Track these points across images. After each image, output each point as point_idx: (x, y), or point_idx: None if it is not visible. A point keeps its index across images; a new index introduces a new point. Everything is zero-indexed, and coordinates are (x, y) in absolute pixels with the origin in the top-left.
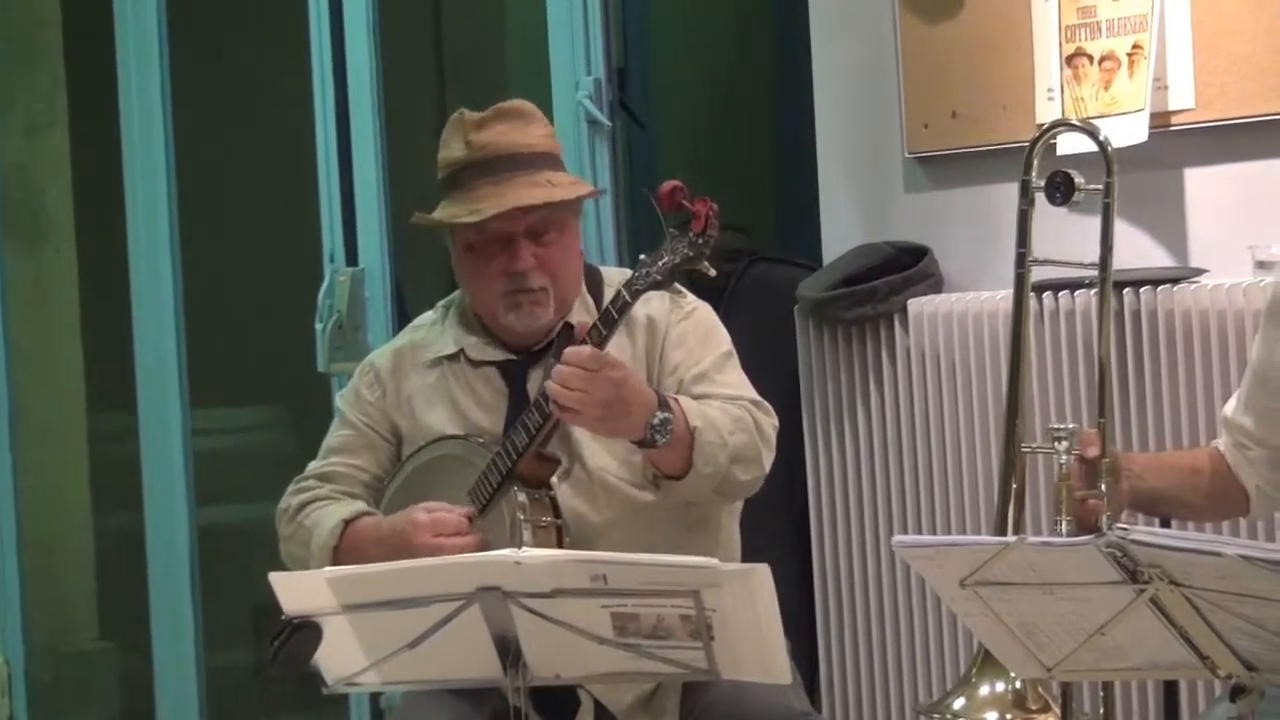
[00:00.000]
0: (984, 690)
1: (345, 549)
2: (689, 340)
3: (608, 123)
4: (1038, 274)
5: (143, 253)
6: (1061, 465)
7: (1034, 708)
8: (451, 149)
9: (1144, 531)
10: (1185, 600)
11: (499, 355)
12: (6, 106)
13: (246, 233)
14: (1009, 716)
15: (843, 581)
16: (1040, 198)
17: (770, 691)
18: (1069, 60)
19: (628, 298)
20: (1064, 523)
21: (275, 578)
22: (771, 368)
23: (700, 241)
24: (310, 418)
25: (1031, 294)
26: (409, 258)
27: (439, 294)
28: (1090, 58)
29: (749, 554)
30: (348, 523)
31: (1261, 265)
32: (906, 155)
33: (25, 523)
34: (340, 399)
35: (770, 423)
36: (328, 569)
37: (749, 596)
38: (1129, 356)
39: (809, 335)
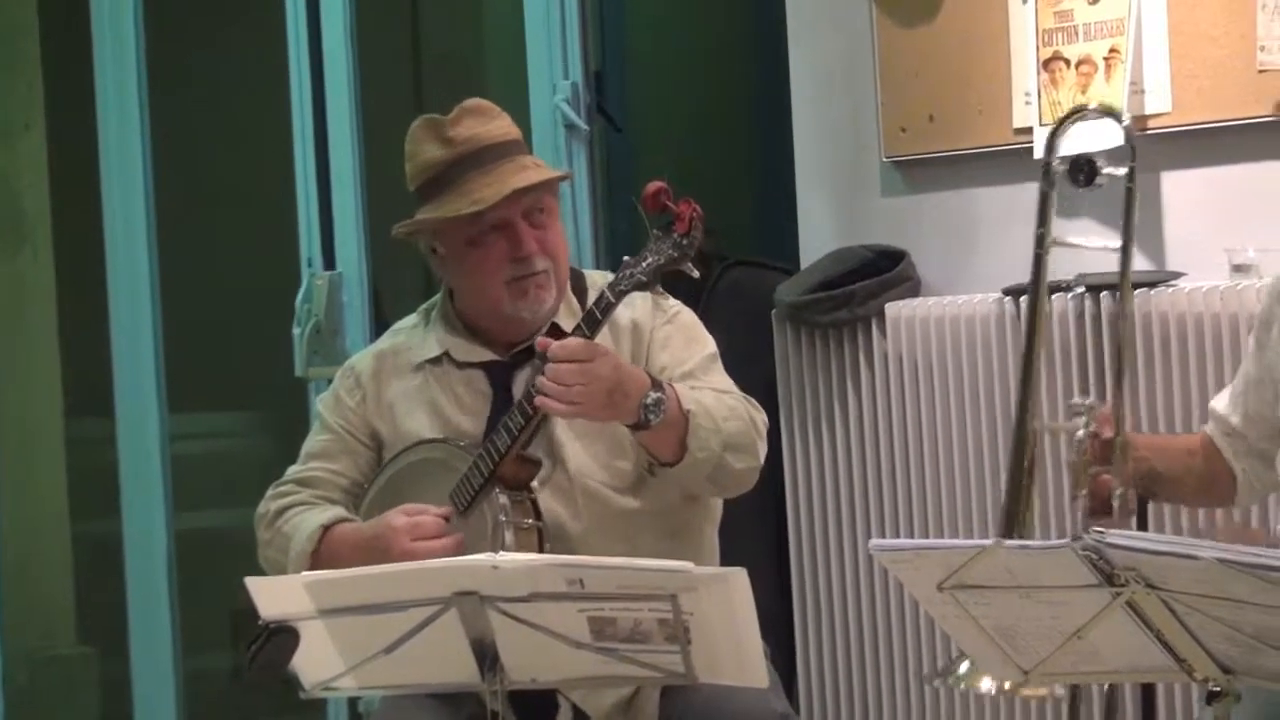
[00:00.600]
0: None
1: (323, 554)
2: (674, 343)
3: (585, 126)
4: (1012, 278)
5: (120, 257)
6: (1079, 440)
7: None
8: (428, 151)
9: (1120, 535)
10: (1162, 603)
11: (485, 356)
12: None
13: (224, 237)
14: (1007, 685)
15: (820, 584)
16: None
17: (748, 694)
18: (1046, 64)
19: (611, 298)
20: (1082, 496)
21: (252, 582)
22: (748, 372)
23: (684, 242)
24: (288, 422)
25: (1007, 298)
26: (387, 262)
27: (417, 298)
28: (1067, 62)
29: (727, 556)
30: (326, 528)
31: (1238, 269)
32: (883, 159)
33: (3, 528)
34: (320, 403)
35: (761, 418)
36: (305, 574)
37: (726, 600)
38: (1106, 359)
39: (786, 339)
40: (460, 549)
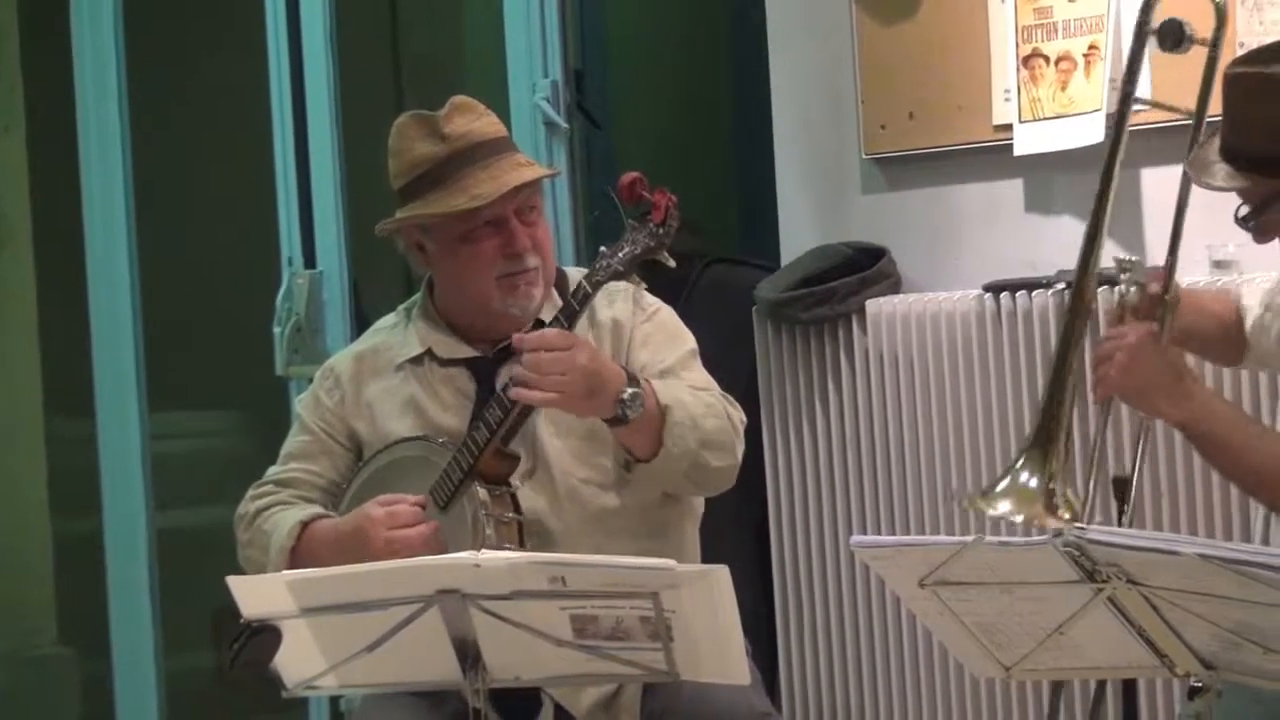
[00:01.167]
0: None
1: (302, 551)
2: (654, 340)
3: (565, 125)
4: (996, 275)
5: (100, 257)
6: (1123, 294)
7: (1064, 515)
8: (422, 147)
9: (1101, 531)
10: (1143, 599)
11: (468, 353)
12: None
13: (204, 236)
14: (1020, 516)
15: (802, 581)
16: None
17: (730, 692)
18: (1025, 61)
19: (588, 288)
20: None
21: (234, 581)
22: (729, 369)
23: (660, 232)
24: (269, 421)
25: (987, 295)
26: (367, 261)
27: (397, 296)
28: (1047, 59)
29: (708, 553)
30: (305, 524)
31: (1218, 264)
32: (864, 156)
33: None
34: (300, 404)
35: (739, 416)
36: (286, 572)
37: (708, 598)
38: (1086, 354)
39: (767, 336)
40: (436, 536)
